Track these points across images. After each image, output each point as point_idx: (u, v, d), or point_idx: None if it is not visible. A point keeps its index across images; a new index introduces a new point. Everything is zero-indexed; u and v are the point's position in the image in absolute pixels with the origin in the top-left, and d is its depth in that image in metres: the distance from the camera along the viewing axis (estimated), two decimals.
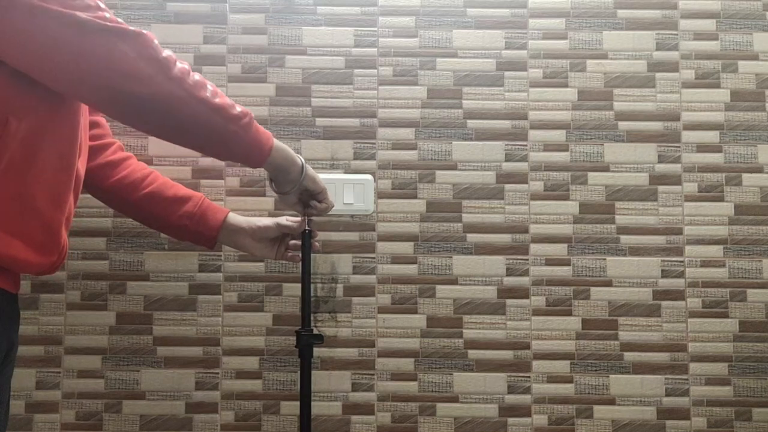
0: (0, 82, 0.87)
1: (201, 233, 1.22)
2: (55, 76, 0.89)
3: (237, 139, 1.01)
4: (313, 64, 1.39)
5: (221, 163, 1.37)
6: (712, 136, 1.40)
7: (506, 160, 1.39)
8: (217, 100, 0.97)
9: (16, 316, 0.99)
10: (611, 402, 1.35)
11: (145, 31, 0.92)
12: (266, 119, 1.38)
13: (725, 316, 1.36)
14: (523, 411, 1.35)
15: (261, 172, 1.37)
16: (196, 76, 0.96)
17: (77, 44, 0.86)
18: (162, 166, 1.36)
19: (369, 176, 1.38)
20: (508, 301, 1.37)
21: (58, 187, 0.96)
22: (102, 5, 0.90)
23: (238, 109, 1.01)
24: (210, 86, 0.98)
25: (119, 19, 0.91)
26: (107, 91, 0.90)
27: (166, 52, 0.93)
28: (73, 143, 0.97)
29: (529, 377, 1.35)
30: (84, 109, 1.02)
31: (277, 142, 1.08)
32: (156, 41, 0.93)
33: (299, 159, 1.13)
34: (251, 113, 1.03)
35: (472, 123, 1.39)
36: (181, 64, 0.95)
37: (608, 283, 1.37)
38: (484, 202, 1.38)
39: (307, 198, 1.19)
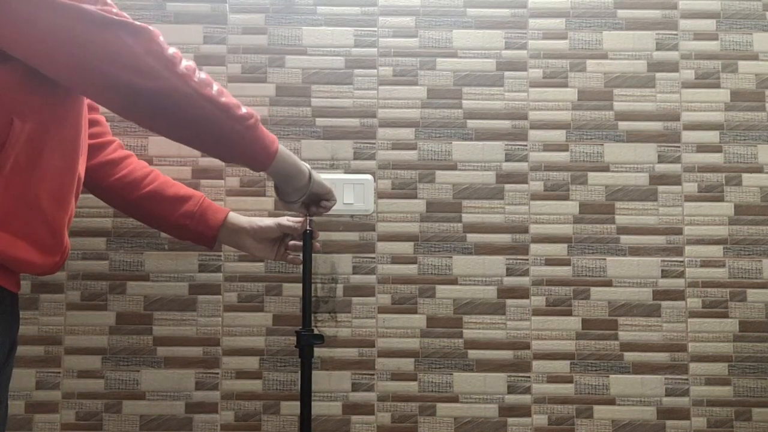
0: (4, 83, 0.87)
1: (201, 233, 1.22)
2: (61, 68, 0.88)
3: (242, 140, 1.00)
4: (313, 64, 1.39)
5: (221, 163, 1.37)
6: (712, 136, 1.40)
7: (506, 160, 1.39)
8: (223, 99, 0.97)
9: (17, 317, 0.98)
10: (611, 402, 1.35)
11: (151, 27, 0.91)
12: (266, 119, 1.38)
13: (725, 316, 1.36)
14: (523, 411, 1.35)
15: (262, 173, 1.37)
16: (202, 75, 0.96)
17: (83, 36, 0.86)
18: (162, 165, 1.36)
19: (369, 176, 1.38)
20: (508, 301, 1.37)
21: (61, 188, 0.95)
22: None
23: (244, 109, 1.00)
24: (216, 85, 0.97)
25: (125, 14, 0.90)
26: (112, 85, 0.89)
27: (172, 50, 0.93)
28: (76, 144, 0.97)
29: (529, 377, 1.35)
30: (85, 108, 1.02)
31: (282, 147, 1.07)
32: (161, 38, 0.92)
33: (305, 167, 1.12)
34: (257, 115, 1.02)
35: (472, 123, 1.39)
36: (187, 62, 0.94)
37: (608, 283, 1.37)
38: (484, 202, 1.38)
39: (313, 201, 1.18)
